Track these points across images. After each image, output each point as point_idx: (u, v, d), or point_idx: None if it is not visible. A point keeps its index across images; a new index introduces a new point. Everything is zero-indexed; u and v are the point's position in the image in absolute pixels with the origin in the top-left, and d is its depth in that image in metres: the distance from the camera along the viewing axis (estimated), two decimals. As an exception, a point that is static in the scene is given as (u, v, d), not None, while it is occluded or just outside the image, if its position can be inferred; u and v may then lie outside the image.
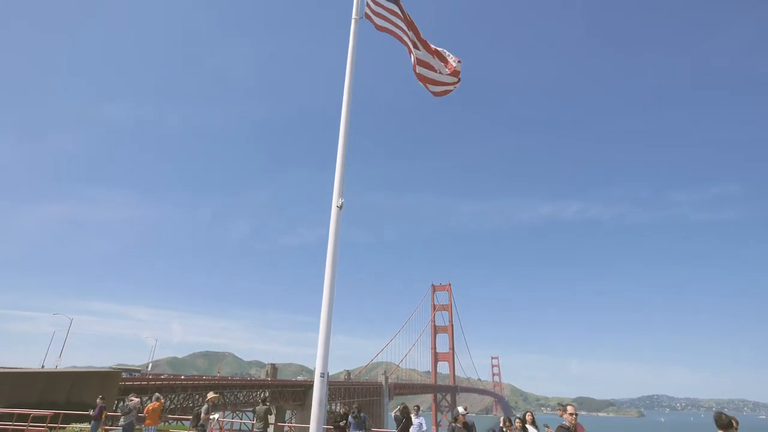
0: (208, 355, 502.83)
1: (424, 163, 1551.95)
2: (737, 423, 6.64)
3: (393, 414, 11.58)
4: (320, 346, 5.37)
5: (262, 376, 78.10)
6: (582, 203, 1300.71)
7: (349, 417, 12.74)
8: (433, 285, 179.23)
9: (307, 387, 79.33)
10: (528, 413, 10.21)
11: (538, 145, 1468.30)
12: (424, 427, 12.06)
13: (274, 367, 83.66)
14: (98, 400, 15.03)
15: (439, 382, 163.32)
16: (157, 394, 14.50)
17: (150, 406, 13.45)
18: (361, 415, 12.69)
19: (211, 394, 13.45)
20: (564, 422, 7.61)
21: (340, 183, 5.89)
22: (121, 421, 13.68)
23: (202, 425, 12.14)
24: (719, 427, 6.49)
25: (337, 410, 13.56)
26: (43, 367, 46.13)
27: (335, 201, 5.75)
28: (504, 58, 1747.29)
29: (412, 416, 12.00)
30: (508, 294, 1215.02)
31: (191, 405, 49.32)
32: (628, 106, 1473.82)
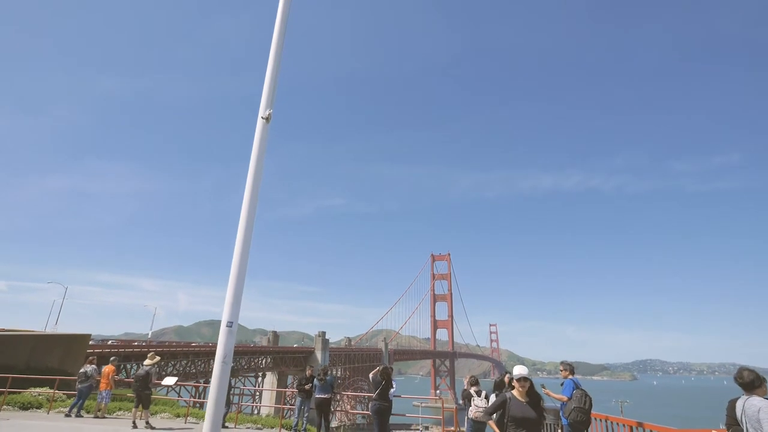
0: (212, 324, 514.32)
1: (423, 134, 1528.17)
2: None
3: (370, 376, 10.43)
4: (230, 288, 4.19)
5: (264, 344, 79.51)
6: (583, 173, 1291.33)
7: (315, 380, 12.05)
8: (432, 255, 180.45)
9: (308, 353, 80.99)
10: (506, 374, 9.69)
11: (539, 115, 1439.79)
12: (394, 389, 11.62)
13: (275, 334, 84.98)
14: None
15: (438, 349, 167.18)
16: (113, 357, 14.07)
17: (105, 369, 13.09)
18: (327, 378, 11.93)
19: (148, 359, 12.63)
20: None
21: (270, 91, 4.78)
22: (78, 386, 13.18)
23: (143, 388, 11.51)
24: (743, 386, 4.87)
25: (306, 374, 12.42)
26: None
27: (261, 111, 4.73)
28: (502, 26, 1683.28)
29: None
30: (507, 262, 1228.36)
31: (193, 371, 50.04)
32: (629, 75, 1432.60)
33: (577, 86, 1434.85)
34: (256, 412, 44.38)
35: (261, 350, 68.75)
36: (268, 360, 68.44)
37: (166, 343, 57.64)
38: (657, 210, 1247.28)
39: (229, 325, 4.17)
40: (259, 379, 69.66)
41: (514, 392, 5.60)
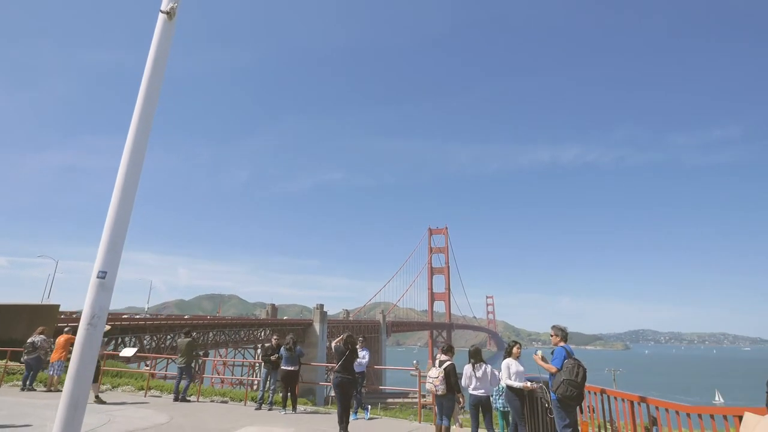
0: (213, 298, 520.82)
1: (422, 108, 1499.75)
2: None
3: (333, 345, 9.08)
4: (108, 226, 3.24)
5: (264, 317, 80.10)
6: (582, 146, 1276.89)
7: (282, 349, 11.08)
8: (430, 228, 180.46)
9: (306, 325, 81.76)
10: (516, 346, 8.57)
11: (537, 88, 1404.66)
12: (365, 360, 10.93)
13: (273, 306, 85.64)
14: None
15: (436, 320, 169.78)
16: (67, 327, 13.27)
17: (59, 339, 12.11)
18: (297, 348, 10.96)
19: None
20: None
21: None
22: (24, 358, 12.25)
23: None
24: None
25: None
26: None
27: (163, 5, 3.69)
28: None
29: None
30: (504, 236, 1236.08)
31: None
32: (629, 48, 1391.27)
33: (577, 59, 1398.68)
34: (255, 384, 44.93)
35: (260, 322, 69.26)
36: (267, 332, 69.13)
37: (162, 316, 57.77)
38: (654, 183, 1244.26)
39: (101, 275, 3.05)
40: (259, 350, 70.69)
41: None
